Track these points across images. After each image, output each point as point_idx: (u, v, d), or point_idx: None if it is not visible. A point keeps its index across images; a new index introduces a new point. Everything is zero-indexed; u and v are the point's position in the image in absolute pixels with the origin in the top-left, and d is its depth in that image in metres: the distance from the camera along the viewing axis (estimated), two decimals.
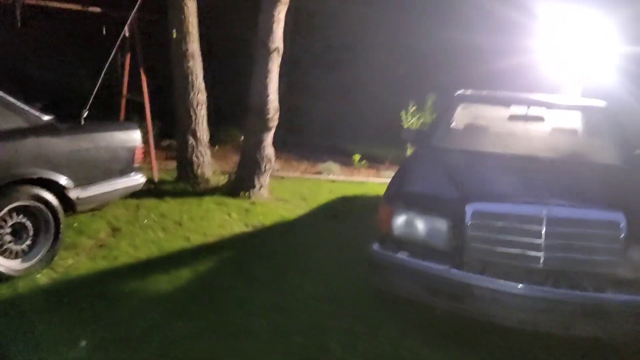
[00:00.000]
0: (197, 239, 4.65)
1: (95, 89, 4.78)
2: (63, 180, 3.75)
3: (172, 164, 6.84)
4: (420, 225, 3.16)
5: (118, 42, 5.71)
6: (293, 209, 5.85)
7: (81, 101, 5.67)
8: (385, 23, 9.32)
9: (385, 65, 9.44)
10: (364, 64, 9.61)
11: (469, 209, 3.04)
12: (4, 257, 3.53)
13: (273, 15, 5.75)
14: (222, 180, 6.50)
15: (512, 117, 4.63)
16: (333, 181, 7.46)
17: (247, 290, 3.74)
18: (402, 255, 3.15)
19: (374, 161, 8.50)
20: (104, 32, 6.19)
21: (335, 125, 9.55)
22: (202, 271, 4.00)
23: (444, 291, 3.04)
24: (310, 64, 9.99)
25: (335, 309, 3.54)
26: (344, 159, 8.37)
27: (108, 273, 3.86)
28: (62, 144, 3.79)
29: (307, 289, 3.82)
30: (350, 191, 6.90)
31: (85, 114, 4.05)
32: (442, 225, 3.10)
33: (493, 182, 3.46)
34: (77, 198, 3.88)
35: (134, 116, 7.32)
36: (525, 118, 4.56)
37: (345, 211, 5.95)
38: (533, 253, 2.93)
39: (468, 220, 3.01)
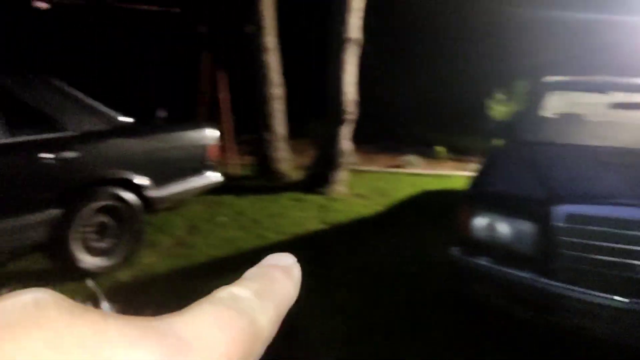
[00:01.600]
0: (272, 237, 4.63)
1: (170, 90, 4.86)
2: (141, 180, 3.83)
3: (250, 160, 6.91)
4: (504, 228, 2.89)
5: (196, 41, 5.83)
6: (371, 205, 5.69)
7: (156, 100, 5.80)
8: (467, 3, 8.86)
9: (470, 50, 8.98)
10: (446, 50, 9.21)
11: (560, 211, 2.73)
12: (89, 254, 3.67)
13: (348, 4, 5.59)
14: (299, 175, 6.46)
15: (610, 106, 4.17)
16: (415, 175, 7.21)
17: (321, 292, 3.65)
18: (483, 261, 2.91)
19: (459, 153, 8.13)
20: (184, 32, 6.31)
21: (417, 116, 9.25)
22: None
23: (530, 301, 2.77)
24: (390, 52, 9.73)
25: (411, 314, 3.36)
26: (427, 151, 8.07)
27: (186, 271, 3.91)
28: (140, 145, 3.87)
29: (383, 292, 3.66)
30: (434, 185, 6.62)
31: (161, 115, 4.13)
32: (528, 229, 2.82)
33: (588, 181, 3.11)
34: (156, 197, 3.96)
35: (213, 112, 7.48)
36: (625, 106, 4.09)
37: (427, 207, 5.71)
38: (635, 262, 2.58)
39: (559, 223, 2.71)
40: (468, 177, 6.83)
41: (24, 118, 3.39)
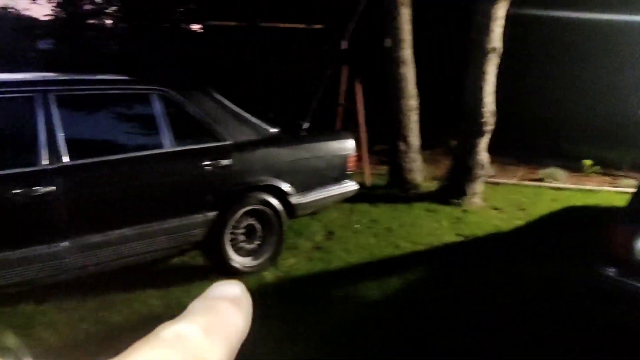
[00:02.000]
0: (406, 247, 4.66)
1: (312, 102, 5.11)
2: (286, 187, 4.08)
3: (384, 169, 6.99)
4: None
5: (333, 54, 6.06)
6: (509, 219, 5.49)
7: (302, 110, 6.08)
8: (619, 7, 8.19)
9: (620, 55, 8.28)
10: (592, 55, 8.58)
11: None
12: (238, 254, 3.99)
13: (491, 14, 5.48)
14: (433, 186, 6.42)
15: None
16: (557, 189, 6.81)
17: (455, 306, 3.61)
18: None
19: (607, 167, 7.52)
20: (326, 47, 6.59)
21: (559, 127, 8.72)
22: (411, 280, 3.99)
23: None
24: (530, 60, 9.28)
25: (556, 335, 3.20)
26: (570, 164, 7.57)
27: (324, 275, 4.09)
28: (286, 154, 4.13)
29: (521, 309, 3.53)
30: (579, 201, 6.20)
31: (305, 126, 4.37)
32: None
33: None
34: (298, 204, 4.19)
35: (348, 123, 7.69)
36: None
37: (572, 224, 5.37)
38: None
39: None
40: (620, 192, 6.29)
41: (188, 128, 3.79)
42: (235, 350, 0.27)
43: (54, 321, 3.26)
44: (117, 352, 0.25)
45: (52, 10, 20.80)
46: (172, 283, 3.82)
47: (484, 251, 4.68)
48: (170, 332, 0.25)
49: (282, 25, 6.68)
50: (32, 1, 19.61)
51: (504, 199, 6.18)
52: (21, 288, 3.22)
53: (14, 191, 3.01)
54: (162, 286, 3.78)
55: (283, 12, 6.79)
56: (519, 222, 5.41)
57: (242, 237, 4.01)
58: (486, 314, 3.48)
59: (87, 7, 23.23)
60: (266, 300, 3.60)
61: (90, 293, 3.59)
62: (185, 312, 0.28)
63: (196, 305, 0.28)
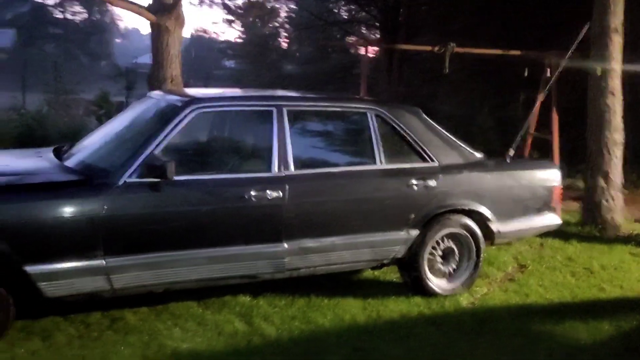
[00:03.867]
0: (613, 291, 4.28)
1: (523, 129, 4.97)
2: (488, 213, 4.01)
3: (574, 205, 6.54)
4: None
5: (544, 81, 5.86)
6: None
7: (482, 136, 5.87)
8: None
9: None
10: None
11: None
12: (434, 275, 4.00)
13: None
14: (636, 228, 5.85)
15: None
16: None
17: None
18: None
19: None
20: (526, 73, 6.39)
21: None
22: (626, 329, 3.64)
23: None
24: None
25: None
26: None
27: (521, 309, 3.91)
28: (489, 180, 4.07)
29: None
30: None
31: (511, 153, 4.27)
32: None
33: None
34: (498, 231, 4.09)
35: (535, 153, 7.34)
36: None
37: None
38: None
39: None
40: None
41: (398, 147, 3.92)
42: None
43: (269, 314, 3.56)
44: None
45: (239, 32, 23.04)
46: (370, 294, 3.95)
47: None
48: None
49: (477, 51, 6.62)
50: (229, 24, 21.88)
51: None
52: (244, 281, 3.57)
53: (251, 193, 3.37)
54: (361, 296, 3.92)
55: (480, 38, 6.78)
56: None
57: (439, 259, 4.02)
58: None
59: (267, 30, 25.29)
60: (463, 327, 3.55)
61: (297, 294, 3.85)
62: None
63: None
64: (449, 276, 4.07)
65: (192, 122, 3.38)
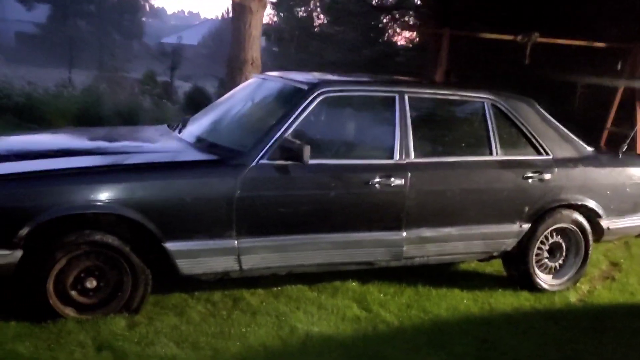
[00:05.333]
0: None
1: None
2: (600, 209, 3.94)
3: None
4: None
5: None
6: None
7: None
8: None
9: None
10: None
11: None
12: (541, 270, 3.95)
13: None
14: None
15: None
16: None
17: None
18: None
19: None
20: (619, 66, 6.25)
21: None
22: None
23: None
24: None
25: None
26: None
27: (632, 308, 3.85)
28: (603, 175, 3.99)
29: None
30: None
31: (624, 148, 4.18)
32: None
33: None
34: (607, 228, 4.02)
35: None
36: None
37: None
38: None
39: None
40: None
41: (513, 139, 3.85)
42: None
43: (384, 302, 3.55)
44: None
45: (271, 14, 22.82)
46: (474, 286, 3.92)
47: None
48: None
49: (560, 41, 6.47)
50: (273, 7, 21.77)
51: None
52: (360, 267, 3.57)
53: (376, 179, 3.34)
54: (466, 287, 3.89)
55: (564, 26, 6.62)
56: None
57: (545, 254, 3.96)
58: None
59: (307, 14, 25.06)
60: (581, 324, 3.51)
61: (403, 282, 3.84)
62: None
63: None
64: (555, 272, 4.02)
65: (318, 106, 3.35)
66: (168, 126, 4.04)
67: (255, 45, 6.24)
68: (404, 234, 3.47)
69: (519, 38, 6.57)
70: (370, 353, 2.90)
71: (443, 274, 4.08)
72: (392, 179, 3.38)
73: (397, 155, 3.47)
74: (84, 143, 3.73)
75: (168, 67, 16.89)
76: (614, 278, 4.40)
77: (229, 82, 6.25)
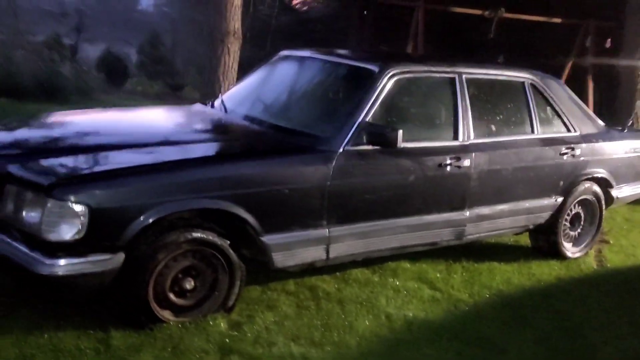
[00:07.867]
0: None
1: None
2: (612, 180, 4.29)
3: None
4: None
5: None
6: None
7: None
8: None
9: None
10: None
11: None
12: (564, 240, 4.24)
13: None
14: None
15: None
16: None
17: None
18: None
19: None
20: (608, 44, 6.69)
21: None
22: None
23: None
24: None
25: None
26: None
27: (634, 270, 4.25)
28: (615, 149, 4.33)
29: None
30: None
31: (629, 123, 4.55)
32: None
33: None
34: (617, 197, 4.40)
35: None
36: None
37: None
38: None
39: None
40: None
41: (549, 117, 4.04)
42: None
43: (447, 280, 3.61)
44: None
45: None
46: (508, 259, 4.07)
47: None
48: None
49: (524, 17, 6.82)
50: None
51: None
52: (425, 248, 3.59)
53: (447, 161, 3.36)
54: (503, 260, 4.05)
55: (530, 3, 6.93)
56: None
57: (568, 224, 4.25)
58: None
59: None
60: (619, 288, 3.80)
61: (450, 260, 3.92)
62: None
63: None
64: (574, 240, 4.33)
65: (392, 88, 3.27)
66: (204, 104, 3.71)
67: (237, 15, 5.87)
68: (467, 213, 3.54)
69: (486, 13, 6.81)
70: (475, 334, 2.96)
71: (471, 250, 4.16)
72: (462, 160, 3.41)
73: (461, 137, 3.50)
74: (158, 129, 3.36)
75: (72, 28, 15.39)
76: (608, 242, 4.82)
77: (210, 53, 5.87)
